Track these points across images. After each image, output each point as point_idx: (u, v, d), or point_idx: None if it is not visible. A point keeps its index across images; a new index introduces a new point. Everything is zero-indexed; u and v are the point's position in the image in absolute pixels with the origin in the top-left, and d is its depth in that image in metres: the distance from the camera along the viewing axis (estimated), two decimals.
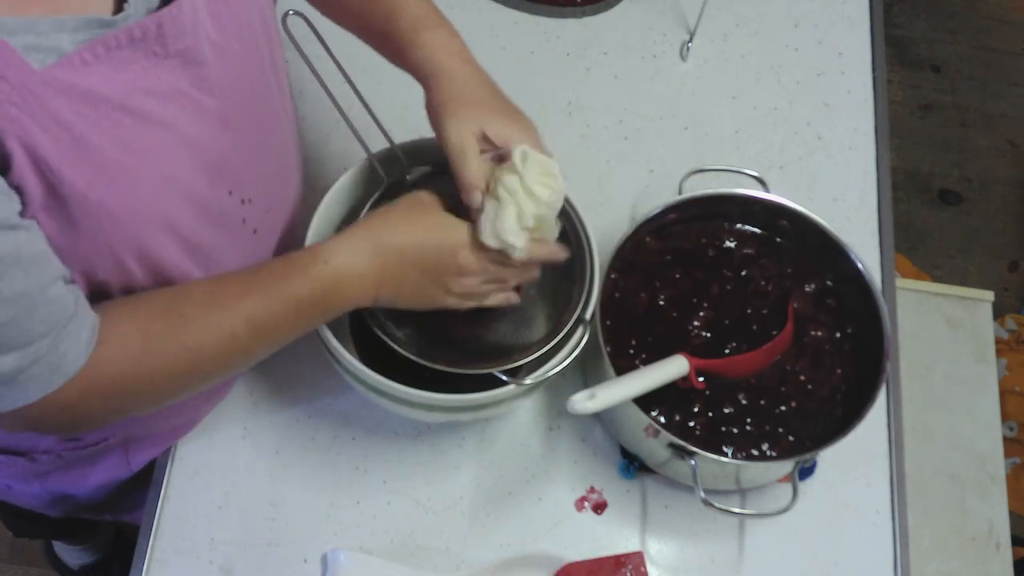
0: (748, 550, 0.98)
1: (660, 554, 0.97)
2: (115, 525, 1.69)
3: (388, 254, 0.78)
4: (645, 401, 0.90)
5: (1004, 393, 1.84)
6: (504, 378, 0.85)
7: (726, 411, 0.95)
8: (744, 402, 0.95)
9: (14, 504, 1.15)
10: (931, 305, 1.73)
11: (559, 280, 0.92)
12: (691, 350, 0.94)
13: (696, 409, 0.94)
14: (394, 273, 0.78)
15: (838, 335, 0.99)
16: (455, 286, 0.80)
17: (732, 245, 1.03)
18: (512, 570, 0.95)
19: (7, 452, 0.98)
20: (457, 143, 0.79)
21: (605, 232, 0.99)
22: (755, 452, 0.93)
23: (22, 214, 0.61)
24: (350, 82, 0.90)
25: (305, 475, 0.98)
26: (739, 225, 1.04)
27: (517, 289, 0.88)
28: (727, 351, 0.97)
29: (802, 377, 0.97)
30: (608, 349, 0.93)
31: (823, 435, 0.93)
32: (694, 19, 1.25)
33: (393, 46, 0.85)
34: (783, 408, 0.95)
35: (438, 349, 0.90)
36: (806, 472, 1.01)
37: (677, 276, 1.01)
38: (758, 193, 1.02)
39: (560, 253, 0.85)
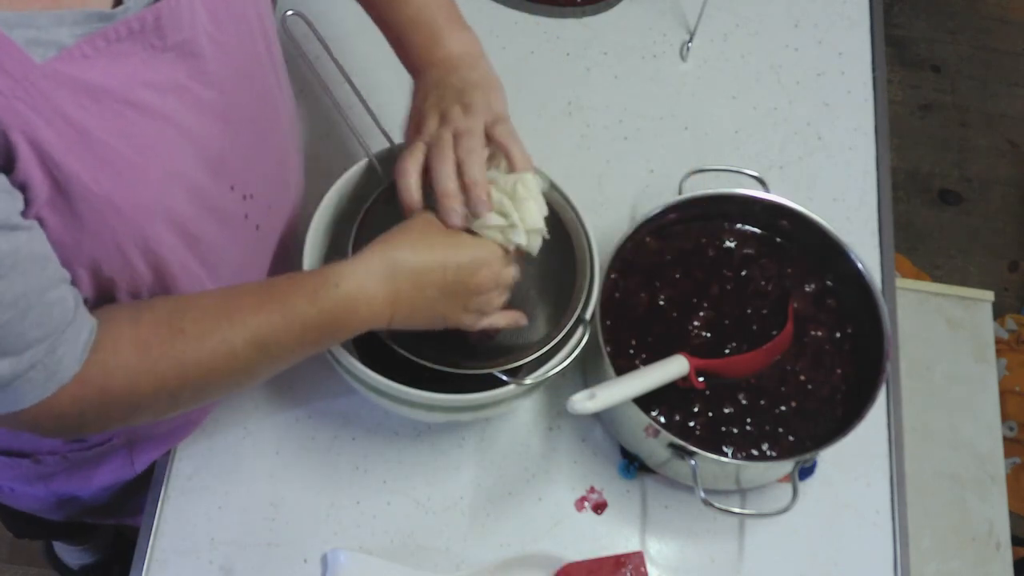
0: (748, 550, 0.98)
1: (660, 554, 0.97)
2: (116, 526, 1.69)
3: (403, 277, 0.76)
4: (645, 401, 0.90)
5: (1004, 393, 1.84)
6: (504, 378, 0.85)
7: (726, 411, 0.95)
8: (744, 402, 0.95)
9: (17, 508, 1.15)
10: (931, 305, 1.73)
11: (559, 280, 0.92)
12: (691, 350, 0.94)
13: (696, 409, 0.94)
14: (409, 296, 0.77)
15: (838, 335, 0.99)
16: (471, 304, 0.80)
17: (732, 245, 1.03)
18: (512, 570, 0.95)
19: (11, 454, 0.98)
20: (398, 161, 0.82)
21: (605, 232, 0.99)
22: (755, 452, 0.93)
23: (26, 213, 0.61)
24: (350, 82, 0.90)
25: (305, 475, 0.98)
26: (739, 225, 1.04)
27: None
28: (727, 351, 0.97)
29: (802, 377, 0.97)
30: (608, 349, 0.93)
31: (823, 435, 0.93)
32: (694, 19, 1.25)
33: (394, 40, 0.85)
34: (783, 408, 0.95)
35: (438, 349, 0.90)
36: (806, 472, 1.01)
37: (677, 276, 1.01)
38: (758, 193, 1.02)
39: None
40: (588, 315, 0.89)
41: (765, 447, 0.93)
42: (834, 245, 0.99)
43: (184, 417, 0.97)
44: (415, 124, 0.83)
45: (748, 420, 0.94)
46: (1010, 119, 2.44)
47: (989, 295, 1.75)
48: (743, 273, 1.02)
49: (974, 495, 1.59)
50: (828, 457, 1.02)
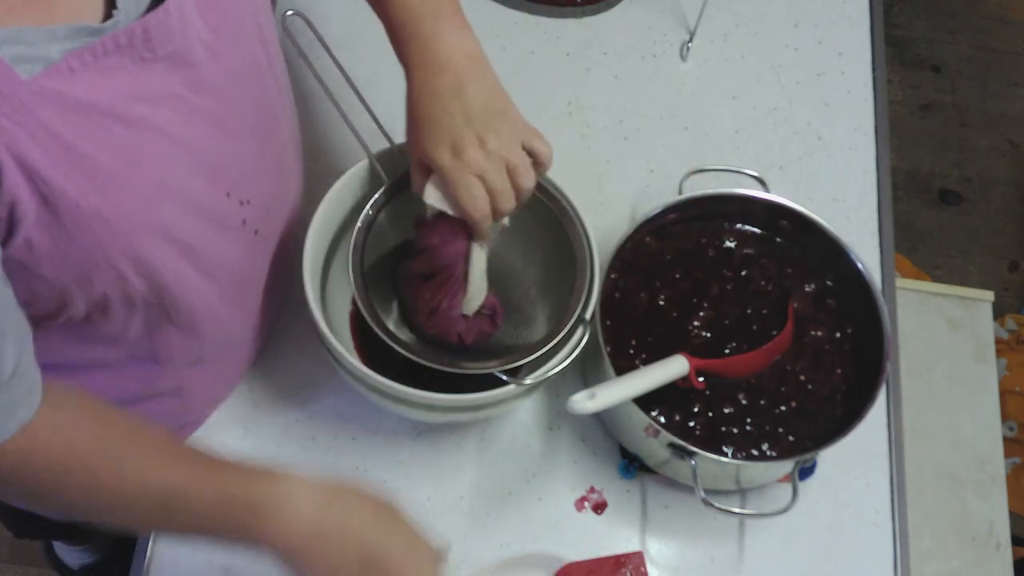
0: (748, 550, 0.98)
1: (660, 554, 0.97)
2: None
3: (335, 517, 0.74)
4: (645, 401, 0.90)
5: (1004, 393, 1.84)
6: (504, 378, 0.85)
7: (726, 411, 0.95)
8: (744, 402, 0.95)
9: (18, 507, 1.15)
10: (931, 305, 1.73)
11: (559, 280, 0.92)
12: (691, 350, 0.94)
13: (696, 409, 0.94)
14: (330, 537, 0.74)
15: (838, 335, 0.99)
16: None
17: (732, 245, 1.03)
18: (512, 570, 0.95)
19: None
20: (411, 161, 0.83)
21: (605, 232, 0.99)
22: (755, 452, 0.93)
23: (16, 233, 0.60)
24: (350, 82, 0.90)
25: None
26: (739, 225, 1.04)
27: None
28: (727, 351, 0.97)
29: (802, 377, 0.97)
30: (608, 349, 0.93)
31: (823, 435, 0.93)
32: (694, 19, 1.25)
33: (392, 36, 0.85)
34: (783, 408, 0.95)
35: (438, 349, 0.90)
36: (806, 472, 1.01)
37: (677, 276, 1.01)
38: (758, 193, 1.02)
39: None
40: (588, 315, 0.89)
41: (765, 447, 0.93)
42: (834, 245, 0.99)
43: (187, 416, 0.97)
44: (434, 139, 0.80)
45: (748, 420, 0.94)
46: (1010, 119, 2.43)
47: (989, 295, 1.75)
48: (743, 273, 1.02)
49: (974, 495, 1.59)
50: (828, 457, 1.02)
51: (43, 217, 0.61)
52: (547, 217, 0.93)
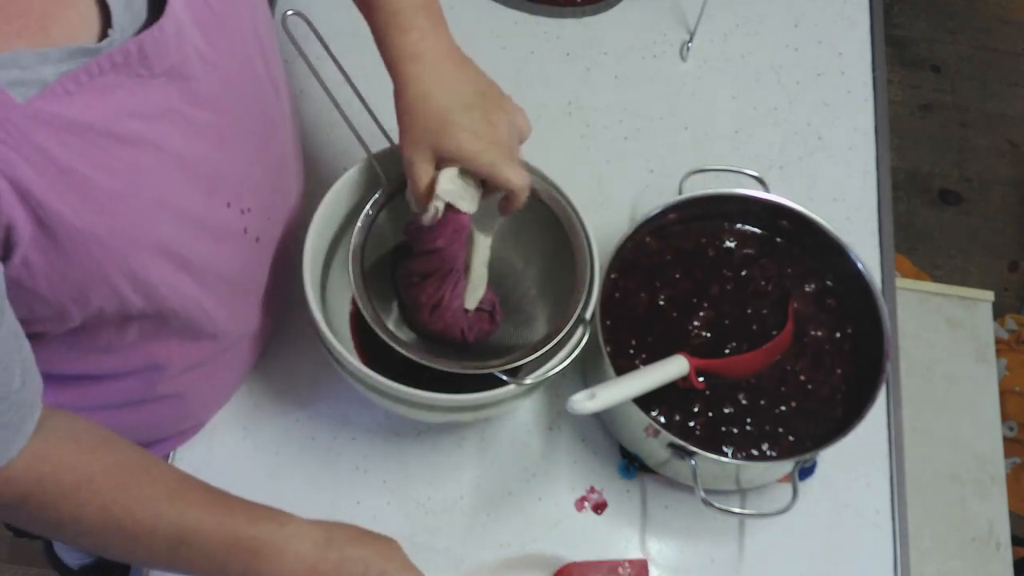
0: (748, 550, 0.98)
1: (660, 554, 0.97)
2: None
3: (333, 555, 0.77)
4: (645, 401, 0.90)
5: (1004, 393, 1.84)
6: (504, 378, 0.85)
7: (726, 411, 0.95)
8: (744, 402, 0.95)
9: None
10: (931, 305, 1.73)
11: (559, 280, 0.92)
12: (691, 350, 0.94)
13: (696, 409, 0.94)
14: (328, 572, 0.77)
15: (838, 335, 0.99)
16: None
17: (732, 245, 1.03)
18: (512, 570, 0.95)
19: None
20: (406, 161, 0.82)
21: (605, 232, 0.99)
22: (755, 452, 0.93)
23: (13, 256, 0.61)
24: (350, 82, 0.90)
25: (305, 475, 0.98)
26: (739, 225, 1.04)
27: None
28: (727, 351, 0.97)
29: (802, 377, 0.97)
30: (608, 349, 0.93)
31: (823, 435, 0.93)
32: (694, 19, 1.25)
33: (374, 36, 0.84)
34: (783, 408, 0.95)
35: (438, 349, 0.90)
36: (806, 472, 1.01)
37: (677, 276, 1.01)
38: (758, 193, 1.02)
39: None
40: (588, 315, 0.89)
41: (765, 447, 0.93)
42: (834, 245, 0.99)
43: (188, 421, 0.97)
44: (454, 129, 0.80)
45: (748, 420, 0.94)
46: (1010, 119, 2.43)
47: (989, 295, 1.75)
48: (743, 273, 1.02)
49: (974, 495, 1.59)
50: (828, 457, 1.02)
51: (39, 238, 0.61)
52: (547, 217, 0.93)
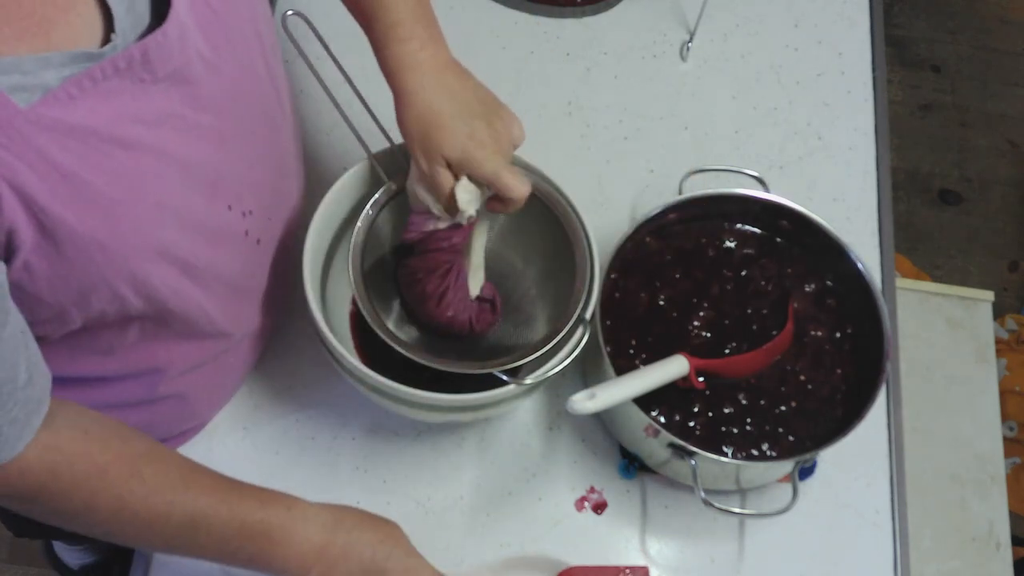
0: (748, 550, 0.98)
1: (660, 554, 0.97)
2: None
3: (341, 539, 0.79)
4: (645, 401, 0.90)
5: (1004, 393, 1.84)
6: (504, 378, 0.85)
7: (726, 411, 0.95)
8: (744, 402, 0.95)
9: None
10: (931, 305, 1.73)
11: (559, 280, 0.92)
12: (691, 350, 0.94)
13: (696, 409, 0.94)
14: (335, 557, 0.78)
15: (838, 335, 0.99)
16: None
17: (732, 245, 1.03)
18: (512, 570, 0.95)
19: None
20: (431, 177, 0.82)
21: (605, 232, 0.99)
22: (755, 452, 0.93)
23: (15, 260, 0.61)
24: (350, 82, 0.90)
25: (305, 475, 0.98)
26: (739, 225, 1.04)
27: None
28: (727, 351, 0.97)
29: (802, 377, 0.97)
30: (608, 349, 0.93)
31: (823, 435, 0.93)
32: (694, 19, 1.25)
33: (372, 47, 0.85)
34: (783, 408, 0.95)
35: (438, 349, 0.90)
36: (806, 472, 1.01)
37: (677, 276, 1.01)
38: (758, 193, 1.02)
39: None
40: (588, 315, 0.89)
41: (765, 447, 0.93)
42: (834, 245, 0.99)
43: (192, 421, 0.97)
44: (460, 134, 0.81)
45: (748, 420, 0.94)
46: (1010, 119, 2.43)
47: (989, 295, 1.75)
48: (743, 273, 1.02)
49: (974, 495, 1.59)
50: (828, 457, 1.02)
51: (41, 243, 0.61)
52: (547, 217, 0.93)
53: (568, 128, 1.19)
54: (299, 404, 1.01)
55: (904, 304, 1.69)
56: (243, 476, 0.97)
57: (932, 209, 2.32)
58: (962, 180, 2.35)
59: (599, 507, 0.99)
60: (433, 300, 0.88)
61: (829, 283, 1.02)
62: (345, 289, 0.95)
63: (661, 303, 1.00)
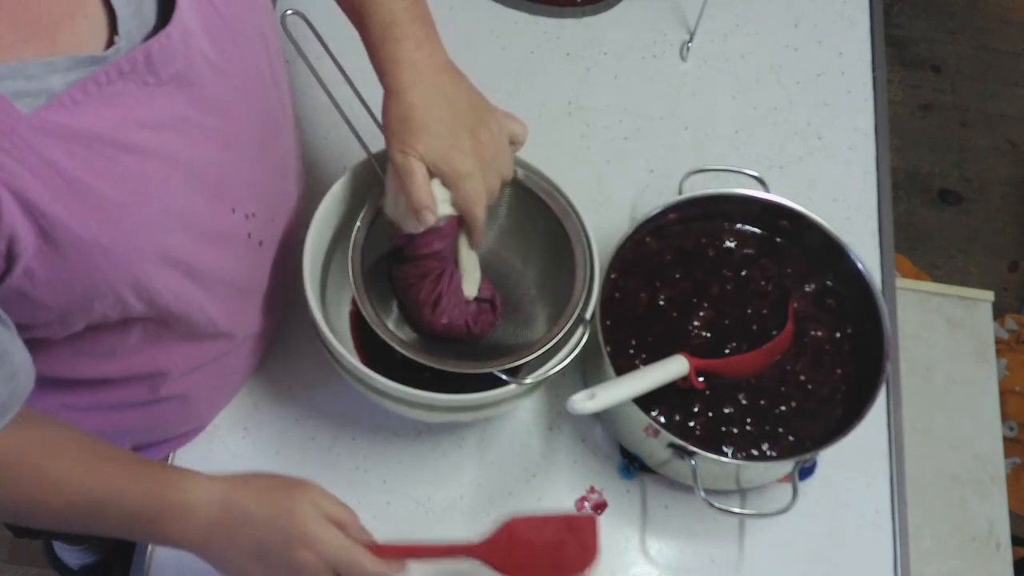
0: (748, 550, 0.98)
1: (660, 554, 0.97)
2: None
3: (232, 511, 0.75)
4: (645, 401, 0.90)
5: (1004, 393, 1.84)
6: (504, 378, 0.85)
7: (726, 411, 0.95)
8: (744, 402, 0.95)
9: None
10: (931, 305, 1.73)
11: (559, 280, 0.92)
12: (691, 350, 0.94)
13: (696, 409, 0.94)
14: (225, 534, 0.75)
15: (838, 335, 0.99)
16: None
17: (732, 245, 1.03)
18: None
19: None
20: (403, 166, 0.79)
21: (605, 232, 0.99)
22: (755, 452, 0.93)
23: (15, 266, 0.61)
24: (350, 82, 0.90)
25: (305, 475, 0.97)
26: (739, 225, 1.04)
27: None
28: (727, 351, 0.97)
29: (802, 377, 0.97)
30: (608, 349, 0.93)
31: (823, 435, 0.93)
32: (694, 19, 1.25)
33: (366, 47, 0.84)
34: (783, 408, 0.95)
35: (438, 349, 0.90)
36: (806, 472, 1.01)
37: (677, 276, 1.01)
38: (758, 193, 1.02)
39: None
40: (588, 315, 0.89)
41: (765, 447, 0.93)
42: (834, 245, 0.99)
43: (191, 424, 0.97)
44: (445, 139, 0.80)
45: (748, 420, 0.94)
46: (1010, 119, 2.43)
47: (989, 295, 1.75)
48: (743, 273, 1.02)
49: (974, 495, 1.58)
50: (828, 457, 1.02)
51: (43, 249, 0.61)
52: (547, 217, 0.93)
53: (568, 128, 1.19)
54: (299, 404, 1.01)
55: (904, 304, 1.69)
56: None
57: (932, 209, 2.32)
58: (962, 180, 2.35)
59: (599, 507, 0.99)
60: (428, 307, 0.87)
61: (829, 283, 1.01)
62: (345, 289, 0.95)
63: (661, 303, 1.00)
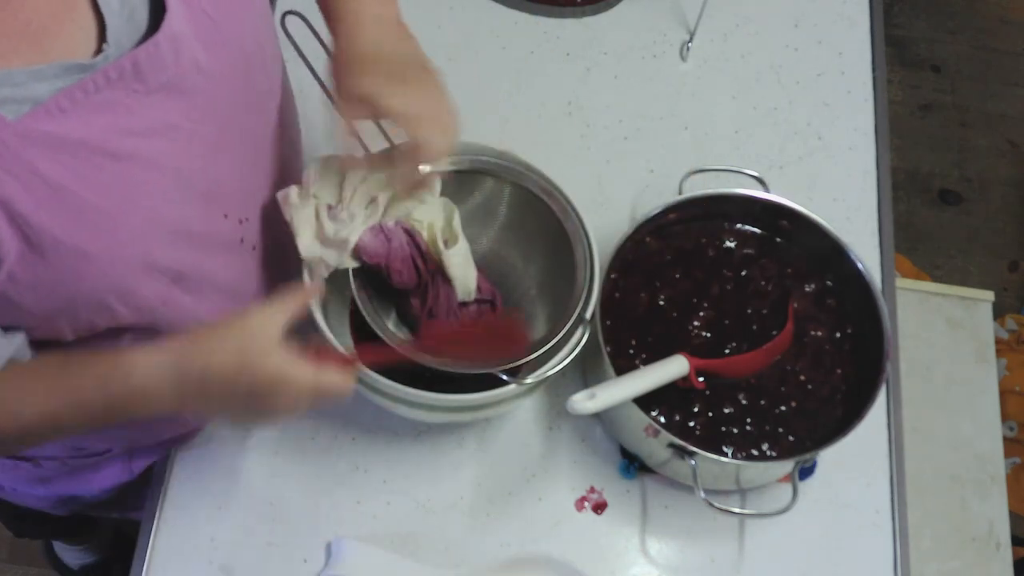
0: (748, 550, 0.98)
1: (660, 554, 0.97)
2: (115, 525, 1.69)
3: (191, 381, 0.71)
4: (645, 401, 0.90)
5: (1004, 393, 1.83)
6: (504, 378, 0.85)
7: (726, 411, 0.95)
8: (744, 402, 0.95)
9: (19, 505, 1.15)
10: (931, 305, 1.73)
11: (559, 280, 0.92)
12: (691, 350, 0.94)
13: (696, 409, 0.94)
14: (196, 399, 0.72)
15: (838, 335, 0.99)
16: (261, 419, 0.75)
17: (732, 245, 1.03)
18: (512, 570, 0.95)
19: (13, 457, 0.97)
20: (339, 102, 0.78)
21: (605, 232, 0.99)
22: (755, 452, 0.93)
23: None
24: None
25: (305, 475, 0.98)
26: (739, 225, 1.04)
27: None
28: (727, 351, 0.97)
29: (802, 377, 0.97)
30: (608, 349, 0.93)
31: (823, 435, 0.93)
32: (694, 19, 1.25)
33: (321, 5, 0.83)
34: (783, 408, 0.95)
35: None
36: (806, 472, 1.01)
37: (677, 276, 1.01)
38: (758, 193, 1.01)
39: None
40: (588, 315, 0.89)
41: (765, 447, 0.93)
42: (834, 245, 0.99)
43: (184, 425, 0.97)
44: (381, 76, 0.78)
45: (748, 420, 0.94)
46: (1010, 119, 2.43)
47: (989, 295, 1.74)
48: (743, 273, 1.02)
49: (974, 495, 1.58)
50: (828, 457, 1.02)
51: (27, 255, 0.61)
52: (547, 217, 0.93)
53: (568, 128, 1.19)
54: None
55: (904, 304, 1.69)
56: (243, 477, 0.98)
57: (932, 209, 2.31)
58: (962, 180, 2.35)
59: (599, 507, 0.99)
60: (423, 318, 0.88)
61: (829, 283, 1.01)
62: (345, 289, 0.94)
63: (661, 303, 1.00)
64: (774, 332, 0.98)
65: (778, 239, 1.03)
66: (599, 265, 0.91)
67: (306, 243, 0.82)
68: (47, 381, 0.72)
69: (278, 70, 0.84)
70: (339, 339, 0.86)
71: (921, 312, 1.72)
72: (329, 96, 0.89)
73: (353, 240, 0.82)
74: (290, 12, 0.87)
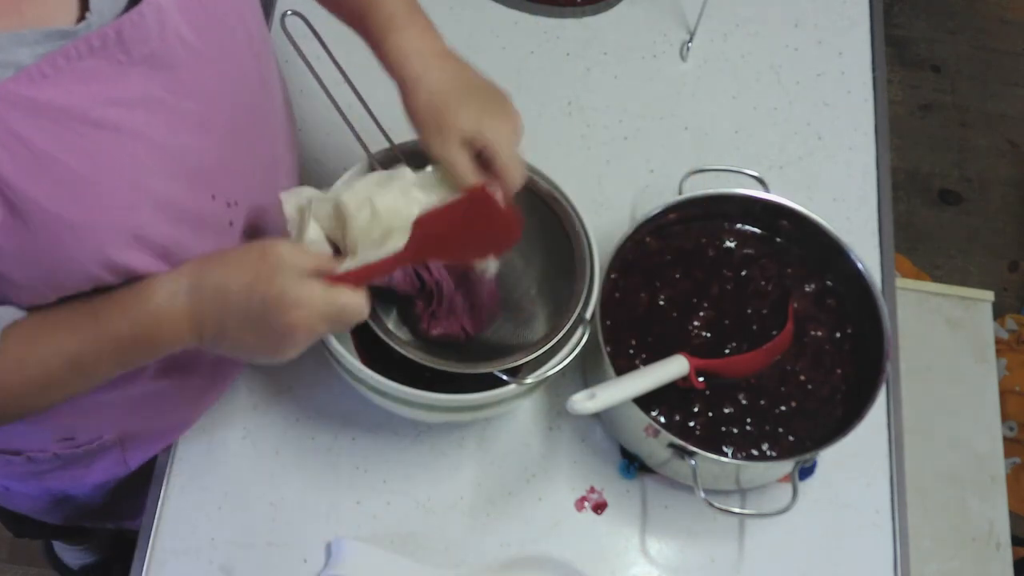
0: (748, 550, 0.98)
1: (660, 554, 0.97)
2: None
3: (208, 296, 0.72)
4: (645, 401, 0.90)
5: (1004, 393, 1.84)
6: (504, 378, 0.85)
7: (726, 411, 0.95)
8: (744, 402, 0.95)
9: (15, 511, 1.15)
10: (931, 305, 1.73)
11: (559, 280, 0.92)
12: (691, 350, 0.94)
13: (696, 409, 0.94)
14: (214, 318, 0.72)
15: (838, 335, 0.99)
16: (281, 346, 0.74)
17: (732, 245, 1.03)
18: (512, 570, 0.95)
19: (3, 452, 0.97)
20: (447, 159, 0.80)
21: (605, 232, 0.99)
22: (755, 452, 0.93)
23: None
24: (349, 82, 0.90)
25: (305, 475, 0.98)
26: (739, 225, 1.04)
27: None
28: (727, 351, 0.97)
29: (802, 377, 0.97)
30: (608, 349, 0.93)
31: (823, 435, 0.93)
32: (694, 19, 1.25)
33: (369, 42, 0.85)
34: (783, 408, 0.95)
35: (438, 349, 0.90)
36: (806, 472, 1.01)
37: (677, 276, 1.01)
38: (758, 193, 1.02)
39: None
40: (588, 315, 0.89)
41: (765, 447, 0.93)
42: (834, 245, 0.99)
43: (175, 415, 0.97)
44: (475, 112, 0.81)
45: (748, 420, 0.94)
46: (1010, 119, 2.43)
47: (989, 295, 1.74)
48: (743, 273, 1.02)
49: (974, 495, 1.58)
50: (828, 457, 1.02)
51: (9, 221, 0.61)
52: (547, 217, 0.93)
53: (568, 128, 1.19)
54: (299, 405, 1.01)
55: (904, 304, 1.69)
56: (243, 477, 0.98)
57: (932, 209, 2.31)
58: (962, 180, 2.35)
59: (599, 507, 0.99)
60: (424, 320, 0.88)
61: (829, 283, 1.01)
62: None
63: (661, 303, 1.00)
64: (774, 332, 0.98)
65: (778, 239, 1.03)
66: (599, 265, 0.91)
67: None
68: (71, 320, 0.72)
69: (269, 61, 0.84)
70: (339, 339, 0.86)
71: (921, 312, 1.72)
72: (330, 97, 0.90)
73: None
74: (290, 12, 0.87)
